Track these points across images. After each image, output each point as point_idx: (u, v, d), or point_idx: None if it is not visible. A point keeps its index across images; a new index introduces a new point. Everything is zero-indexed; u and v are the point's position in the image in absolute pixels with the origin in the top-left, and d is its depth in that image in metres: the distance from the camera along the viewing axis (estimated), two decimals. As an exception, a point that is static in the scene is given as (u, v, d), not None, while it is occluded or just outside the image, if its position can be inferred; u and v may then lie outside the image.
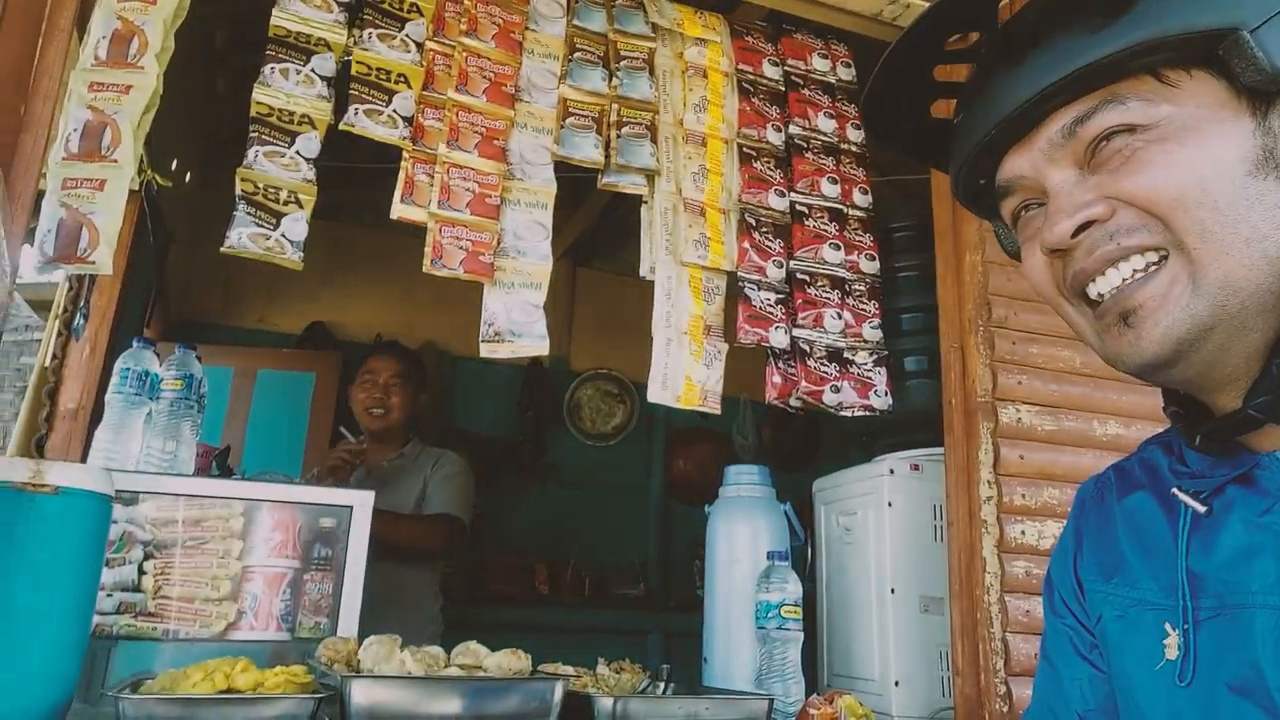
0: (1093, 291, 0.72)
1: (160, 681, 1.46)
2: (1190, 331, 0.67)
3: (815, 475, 2.43)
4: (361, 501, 1.91)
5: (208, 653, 1.68)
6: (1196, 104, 0.68)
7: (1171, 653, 0.73)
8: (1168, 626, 0.74)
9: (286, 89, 1.69)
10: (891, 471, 2.08)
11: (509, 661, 1.61)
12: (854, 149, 2.23)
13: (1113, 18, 0.67)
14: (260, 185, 1.64)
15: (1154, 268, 0.69)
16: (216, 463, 2.42)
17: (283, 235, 1.62)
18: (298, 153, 1.66)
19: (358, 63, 1.78)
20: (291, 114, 1.69)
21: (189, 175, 3.02)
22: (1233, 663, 0.68)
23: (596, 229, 4.73)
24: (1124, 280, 0.70)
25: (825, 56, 2.26)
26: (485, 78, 1.88)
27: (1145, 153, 0.68)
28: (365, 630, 1.81)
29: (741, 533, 2.11)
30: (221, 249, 1.61)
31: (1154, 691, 0.74)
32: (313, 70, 1.72)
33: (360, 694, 1.40)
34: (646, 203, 2.02)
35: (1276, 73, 0.63)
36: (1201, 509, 0.73)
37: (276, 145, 1.66)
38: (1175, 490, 0.76)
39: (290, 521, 1.87)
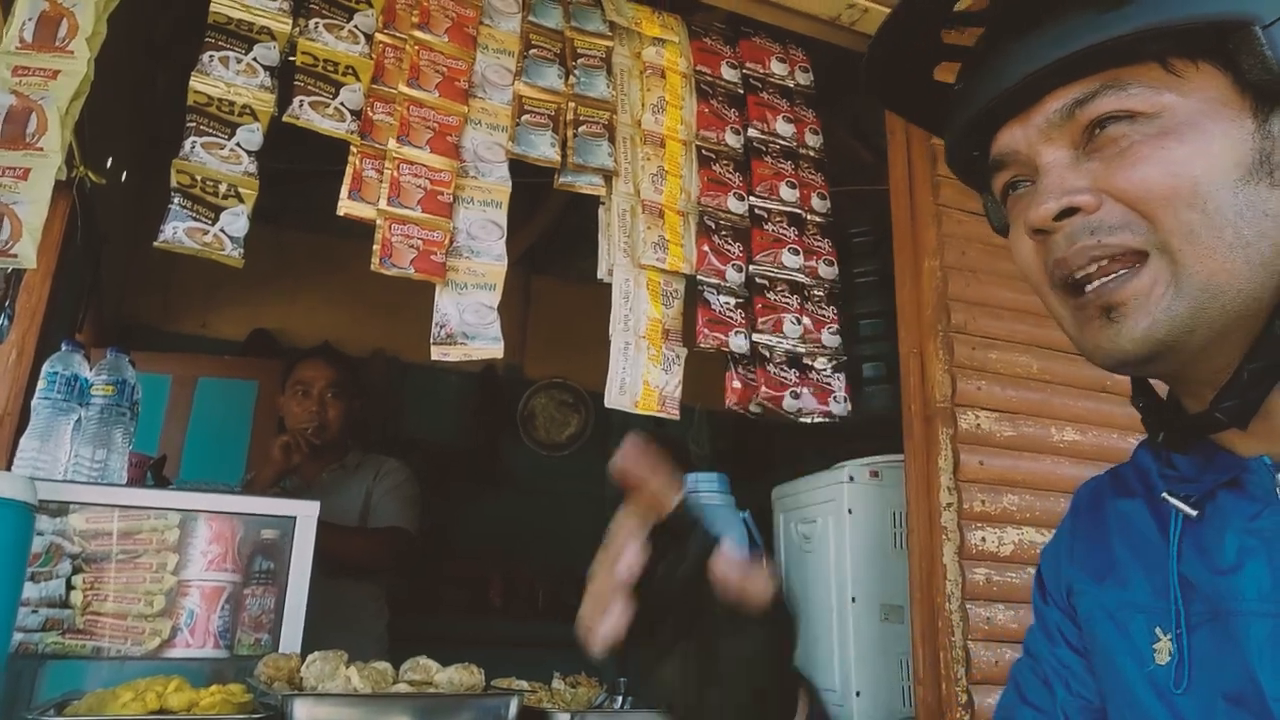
0: (1078, 276, 0.70)
1: (87, 702, 1.38)
2: (1170, 333, 0.66)
3: (771, 483, 2.40)
4: (306, 512, 1.84)
5: (141, 671, 1.60)
6: (1199, 97, 0.66)
7: (1162, 657, 0.71)
8: (1158, 631, 0.72)
9: (227, 78, 1.61)
10: (851, 478, 2.06)
11: (461, 677, 1.54)
12: (812, 154, 2.22)
13: None
14: (197, 178, 1.56)
15: (1136, 267, 0.67)
16: (151, 472, 2.32)
17: (221, 230, 1.55)
18: (239, 144, 1.59)
19: (303, 53, 1.71)
20: (232, 104, 1.61)
21: (125, 174, 2.90)
22: (1227, 671, 0.67)
23: (551, 237, 4.68)
24: (1104, 276, 0.68)
25: (784, 61, 2.24)
26: (438, 72, 1.82)
27: (1143, 146, 0.66)
28: (307, 649, 1.74)
29: (700, 541, 2.06)
30: (155, 243, 1.53)
31: (1149, 696, 0.72)
32: (255, 59, 1.64)
33: (303, 713, 1.32)
34: (604, 204, 1.98)
35: None
36: (1192, 513, 0.71)
37: (215, 136, 1.58)
38: (1165, 495, 0.74)
39: (230, 533, 1.79)
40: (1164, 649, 0.71)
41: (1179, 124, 0.65)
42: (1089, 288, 0.69)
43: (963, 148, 0.78)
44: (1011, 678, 0.90)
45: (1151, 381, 0.79)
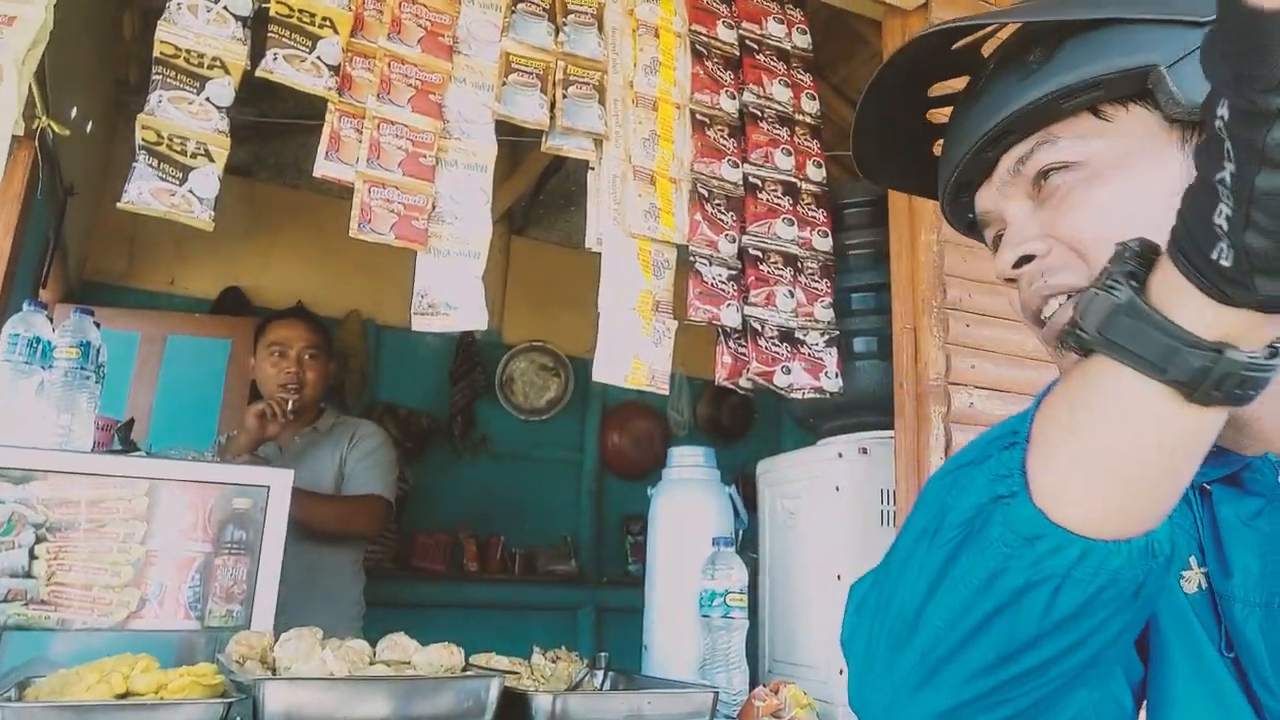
0: (1042, 315, 0.76)
1: (50, 683, 1.32)
2: None
3: (749, 449, 2.36)
4: (280, 481, 1.78)
5: (107, 642, 1.55)
6: (1131, 137, 0.71)
7: (1189, 586, 0.72)
8: (1192, 560, 0.72)
9: (195, 28, 1.51)
10: (840, 455, 2.02)
11: (440, 657, 1.50)
12: (808, 120, 2.15)
13: (1041, 64, 0.72)
14: (164, 135, 1.47)
15: (1074, 297, 0.71)
16: (119, 436, 2.24)
17: (190, 191, 1.46)
18: (208, 99, 1.49)
19: (277, 3, 1.60)
20: (201, 56, 1.51)
21: (91, 124, 2.78)
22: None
23: (532, 197, 4.59)
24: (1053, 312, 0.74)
25: (781, 21, 2.16)
26: (420, 26, 1.73)
27: (1077, 193, 0.71)
28: (282, 618, 1.69)
29: (685, 517, 2.03)
30: (119, 204, 1.44)
31: (1193, 620, 0.72)
32: (226, 7, 1.54)
33: (275, 698, 1.27)
34: (593, 169, 1.90)
35: (1192, 105, 0.66)
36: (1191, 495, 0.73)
37: (183, 90, 1.49)
38: None
39: (201, 502, 1.74)
40: (1192, 579, 0.72)
41: (1106, 168, 0.70)
42: (1045, 322, 0.75)
43: (956, 212, 0.85)
44: None
45: None
